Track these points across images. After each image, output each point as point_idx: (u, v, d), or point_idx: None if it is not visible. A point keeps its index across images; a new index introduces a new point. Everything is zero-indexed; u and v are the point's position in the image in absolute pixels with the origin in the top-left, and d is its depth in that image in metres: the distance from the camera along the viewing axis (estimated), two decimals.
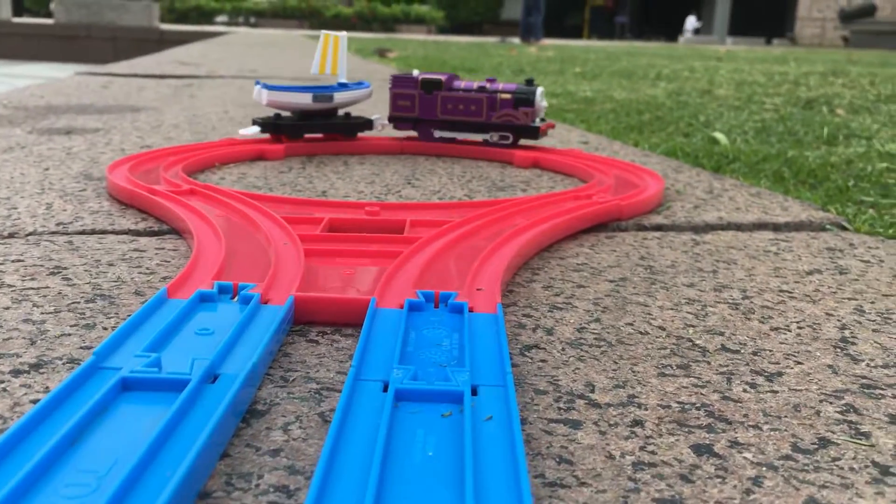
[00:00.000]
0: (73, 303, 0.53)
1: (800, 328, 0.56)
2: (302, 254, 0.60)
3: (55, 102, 1.73)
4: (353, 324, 0.51)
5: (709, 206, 0.94)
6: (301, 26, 19.06)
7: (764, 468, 0.37)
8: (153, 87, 2.19)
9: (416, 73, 1.23)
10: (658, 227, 0.83)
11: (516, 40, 10.84)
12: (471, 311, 0.51)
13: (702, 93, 2.97)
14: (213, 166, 1.03)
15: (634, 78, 3.64)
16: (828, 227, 0.87)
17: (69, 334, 0.48)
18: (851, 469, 0.37)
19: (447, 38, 14.76)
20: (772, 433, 0.40)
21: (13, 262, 0.61)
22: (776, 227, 0.86)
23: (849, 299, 0.62)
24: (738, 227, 0.85)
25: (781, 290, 0.64)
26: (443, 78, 1.21)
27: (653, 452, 0.38)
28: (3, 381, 0.41)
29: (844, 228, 0.86)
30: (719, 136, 1.86)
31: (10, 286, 0.55)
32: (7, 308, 0.51)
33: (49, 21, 10.09)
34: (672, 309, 0.59)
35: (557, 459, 0.37)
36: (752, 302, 0.61)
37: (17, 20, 10.78)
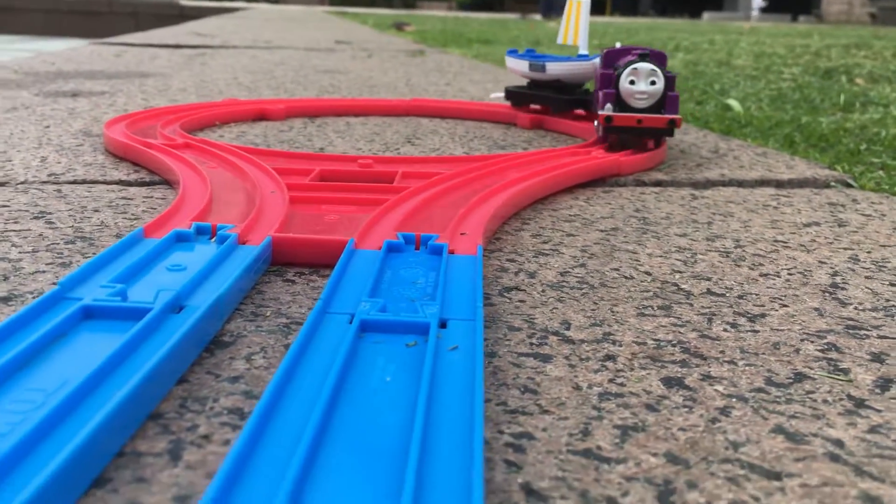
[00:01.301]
0: (52, 244, 0.53)
1: (790, 274, 0.54)
2: (287, 200, 0.59)
3: (66, 69, 1.73)
4: (331, 265, 0.51)
5: (712, 164, 0.92)
6: (322, 2, 18.98)
7: (734, 399, 0.36)
8: (166, 56, 2.19)
9: (618, 44, 1.00)
10: (658, 183, 0.82)
11: (537, 17, 10.75)
12: (451, 252, 0.50)
13: (719, 63, 2.93)
14: (213, 124, 1.03)
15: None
16: (832, 184, 0.85)
17: (44, 271, 0.48)
18: (825, 402, 0.36)
19: (468, 14, 14.66)
20: (746, 368, 0.39)
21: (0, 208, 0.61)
22: (779, 184, 0.84)
23: (844, 249, 0.61)
24: (740, 184, 0.83)
25: (776, 241, 0.63)
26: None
27: (621, 384, 0.37)
28: None
29: (849, 186, 0.85)
30: (733, 102, 1.83)
31: None
32: None
33: None
34: (661, 256, 0.58)
35: (522, 389, 0.36)
36: (744, 250, 0.60)
37: None
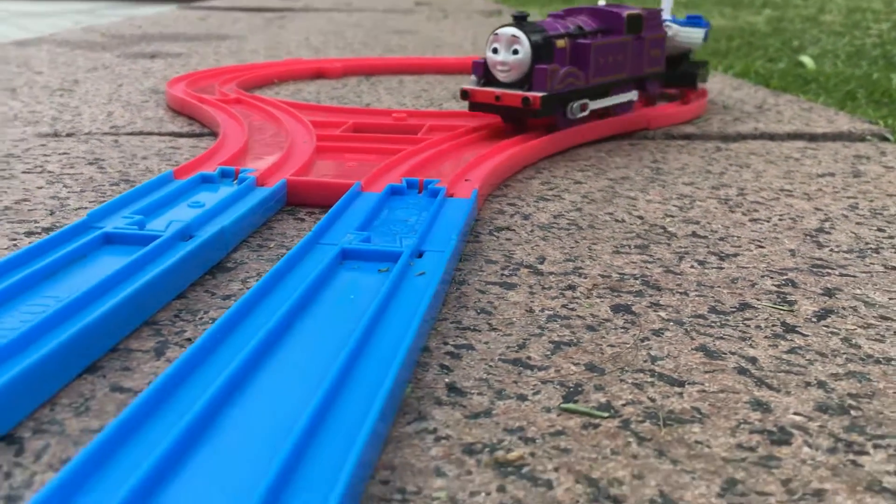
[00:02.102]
0: (98, 185, 0.59)
1: (780, 220, 0.57)
2: (314, 148, 0.64)
3: (150, 31, 1.82)
4: None
5: (750, 118, 0.93)
6: None
7: (671, 323, 0.39)
8: (247, 20, 2.27)
9: (601, 2, 0.88)
10: (686, 136, 0.84)
11: None
12: (450, 196, 0.54)
13: (805, 19, 2.84)
14: (271, 83, 1.09)
15: (739, 6, 3.51)
16: (868, 138, 0.85)
17: (85, 208, 0.54)
18: (757, 327, 0.39)
19: None
20: (697, 299, 0.42)
21: (60, 154, 0.68)
22: (811, 137, 0.85)
23: (848, 198, 0.62)
24: (771, 137, 0.84)
25: (782, 189, 0.64)
26: None
27: (572, 309, 0.41)
28: (15, 239, 0.48)
29: (885, 140, 0.85)
30: (806, 59, 1.80)
31: (49, 172, 0.62)
32: (40, 188, 0.58)
33: None
34: (659, 202, 0.60)
35: (479, 311, 0.40)
36: (744, 198, 0.62)
37: None
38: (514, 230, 0.53)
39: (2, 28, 2.55)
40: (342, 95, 1.02)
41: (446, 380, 0.33)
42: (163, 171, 0.64)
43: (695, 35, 0.88)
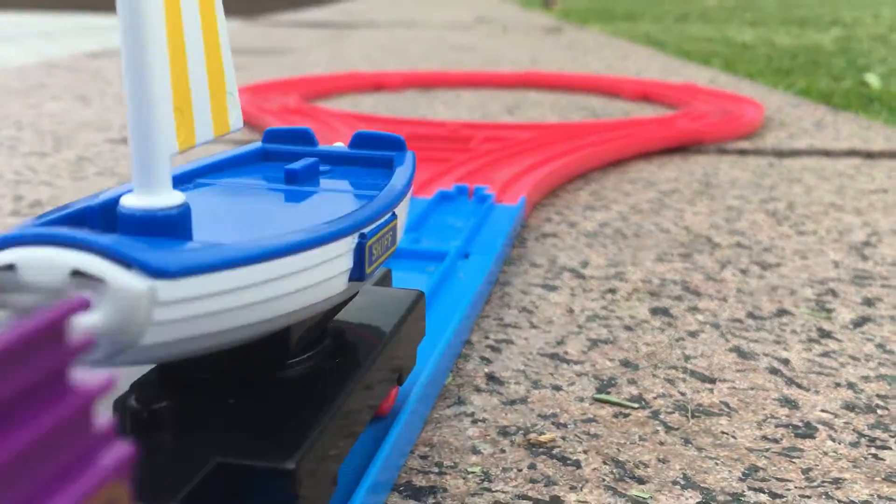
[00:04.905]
0: None
1: (826, 233, 0.57)
2: None
3: None
4: None
5: (807, 135, 0.93)
6: None
7: (707, 325, 0.40)
8: (310, 35, 2.32)
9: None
10: (740, 152, 0.84)
11: None
12: (498, 202, 0.56)
13: (874, 38, 2.80)
14: (331, 94, 1.12)
15: (807, 25, 3.47)
16: None
17: None
18: (793, 332, 0.40)
19: None
20: (735, 304, 0.43)
21: (128, 159, 0.71)
22: (868, 155, 0.85)
23: None
24: (826, 154, 0.84)
25: (832, 204, 0.65)
26: None
27: (611, 311, 0.42)
28: None
29: None
30: (872, 78, 1.77)
31: (120, 175, 0.66)
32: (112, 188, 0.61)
33: None
34: (707, 214, 0.61)
35: (521, 309, 0.42)
36: (793, 212, 0.62)
37: None
38: (559, 237, 0.55)
39: (76, 42, 2.66)
40: (400, 108, 1.05)
41: (486, 370, 0.35)
42: None
43: None
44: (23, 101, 1.01)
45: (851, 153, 0.85)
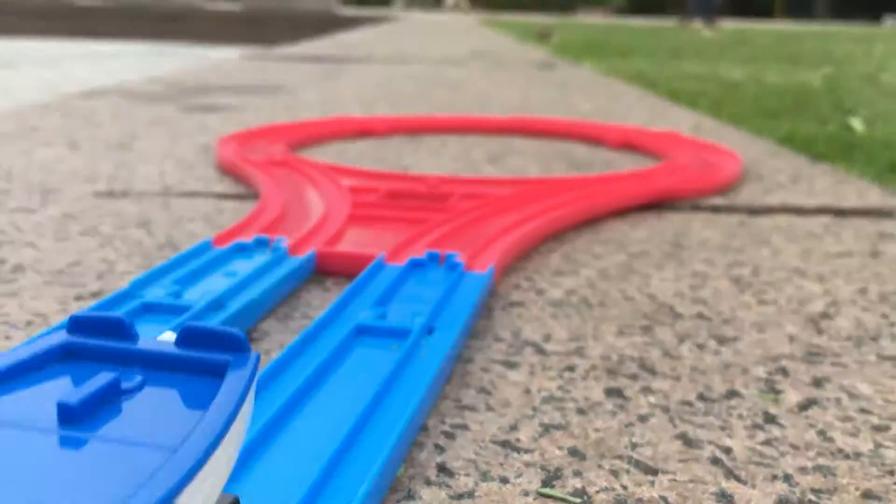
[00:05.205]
0: (145, 249, 0.64)
1: (787, 303, 0.59)
2: (346, 216, 0.68)
3: (211, 82, 1.90)
4: None
5: (781, 190, 0.95)
6: (484, 7, 19.27)
7: (658, 409, 0.42)
8: (304, 70, 2.35)
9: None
10: (714, 209, 0.86)
11: (699, 24, 10.53)
12: (467, 270, 0.58)
13: (863, 78, 2.84)
14: (318, 141, 1.14)
15: (798, 62, 3.51)
16: None
17: (131, 272, 0.58)
18: (739, 416, 0.41)
19: (624, 20, 14.52)
20: (688, 384, 0.45)
21: (113, 216, 0.73)
22: (838, 212, 0.86)
23: (859, 280, 0.64)
24: (798, 211, 0.86)
25: (796, 269, 0.66)
26: None
27: (567, 391, 0.44)
28: (65, 303, 0.52)
29: None
30: (856, 123, 1.80)
31: (102, 234, 0.67)
32: (92, 250, 0.63)
33: (235, 7, 10.74)
34: (673, 280, 0.63)
35: (479, 390, 0.44)
36: (758, 278, 0.64)
37: (209, 6, 11.55)
38: (525, 306, 0.56)
39: (75, 68, 2.68)
40: (384, 157, 1.07)
41: (438, 459, 0.36)
42: (204, 234, 0.69)
43: None
44: (15, 147, 1.03)
45: (822, 210, 0.87)
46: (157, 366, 0.26)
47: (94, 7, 10.71)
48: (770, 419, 0.41)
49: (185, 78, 1.97)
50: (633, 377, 0.46)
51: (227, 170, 0.92)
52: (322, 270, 0.60)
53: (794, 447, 0.38)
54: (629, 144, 1.19)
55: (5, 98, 1.82)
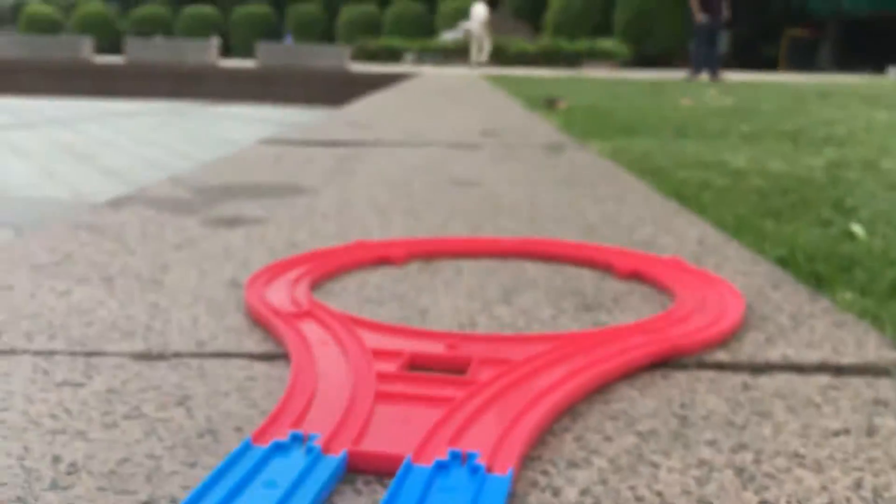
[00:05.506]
0: (187, 437, 0.69)
1: (788, 501, 0.63)
2: (372, 398, 0.73)
3: (232, 181, 1.97)
4: (393, 475, 0.64)
5: (782, 339, 0.99)
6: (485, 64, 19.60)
7: None
8: (320, 159, 2.42)
9: None
10: (718, 366, 0.90)
11: (705, 76, 10.69)
12: (488, 471, 0.62)
13: (865, 164, 2.88)
14: (339, 273, 1.19)
15: (801, 141, 3.58)
16: (891, 370, 0.90)
17: (177, 472, 0.63)
18: None
19: (631, 73, 14.72)
20: None
21: (153, 389, 0.78)
22: (837, 370, 0.91)
23: (855, 469, 0.68)
24: (799, 369, 0.91)
25: (796, 455, 0.71)
26: None
27: None
28: None
29: None
30: (857, 229, 1.83)
31: (145, 417, 0.72)
32: (139, 441, 0.68)
33: (251, 65, 10.94)
34: (679, 472, 0.67)
35: None
36: (760, 467, 0.68)
37: (223, 64, 11.76)
38: None
39: (90, 128, 2.76)
40: (403, 292, 1.12)
41: None
42: (240, 414, 0.73)
43: None
44: (54, 286, 1.08)
45: (822, 367, 0.91)
46: None
47: (112, 66, 10.94)
48: None
49: (207, 177, 2.04)
50: None
51: (255, 320, 0.97)
52: (352, 468, 0.65)
53: None
54: (637, 274, 1.24)
55: (19, 159, 1.88)
